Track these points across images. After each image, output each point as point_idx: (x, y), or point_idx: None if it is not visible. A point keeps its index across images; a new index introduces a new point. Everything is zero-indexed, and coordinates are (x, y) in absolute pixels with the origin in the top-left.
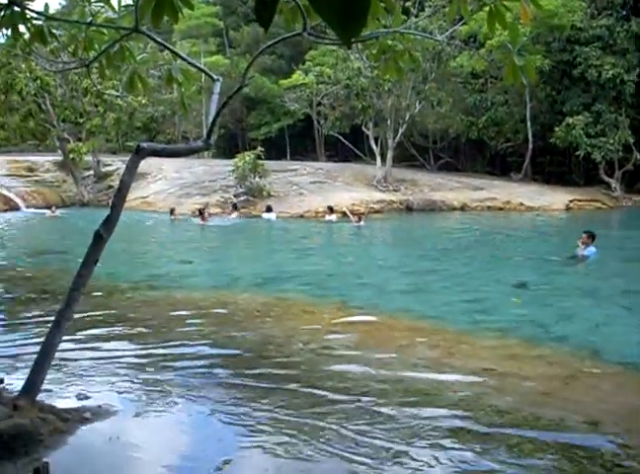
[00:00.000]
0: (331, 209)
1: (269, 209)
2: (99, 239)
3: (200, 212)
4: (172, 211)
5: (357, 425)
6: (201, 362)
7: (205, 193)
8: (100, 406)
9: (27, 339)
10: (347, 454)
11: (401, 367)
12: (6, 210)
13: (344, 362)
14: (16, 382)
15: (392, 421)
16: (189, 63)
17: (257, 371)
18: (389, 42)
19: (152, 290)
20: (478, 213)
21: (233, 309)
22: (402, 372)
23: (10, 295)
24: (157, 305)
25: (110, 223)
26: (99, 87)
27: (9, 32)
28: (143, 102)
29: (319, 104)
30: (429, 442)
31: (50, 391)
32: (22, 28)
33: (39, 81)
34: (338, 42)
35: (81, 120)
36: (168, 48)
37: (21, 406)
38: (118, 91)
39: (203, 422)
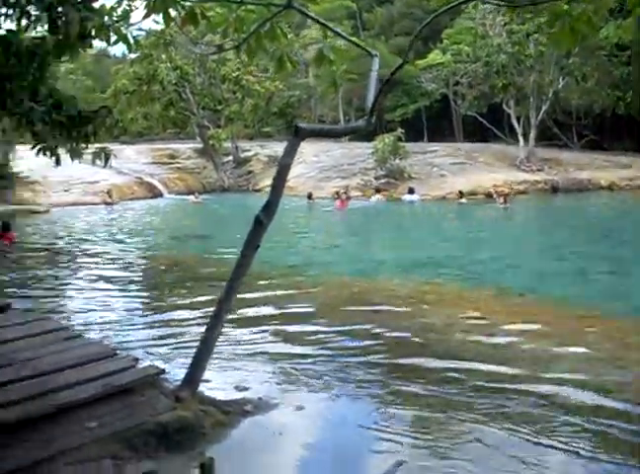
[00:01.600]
0: (461, 194)
1: (411, 191)
2: (259, 225)
3: (339, 196)
4: (309, 196)
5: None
6: (360, 352)
7: (345, 176)
8: (260, 398)
9: (183, 326)
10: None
11: (575, 361)
12: (150, 197)
13: (515, 355)
14: (175, 371)
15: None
16: (347, 40)
17: (419, 363)
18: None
19: (302, 276)
20: (628, 193)
21: (387, 296)
22: (577, 365)
23: (162, 281)
24: (309, 292)
25: (269, 208)
26: (237, 73)
27: (160, 17)
28: (280, 87)
29: (456, 83)
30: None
31: (208, 381)
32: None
33: (179, 70)
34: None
35: (220, 107)
36: (323, 24)
37: (183, 398)
38: (255, 77)
39: (369, 419)
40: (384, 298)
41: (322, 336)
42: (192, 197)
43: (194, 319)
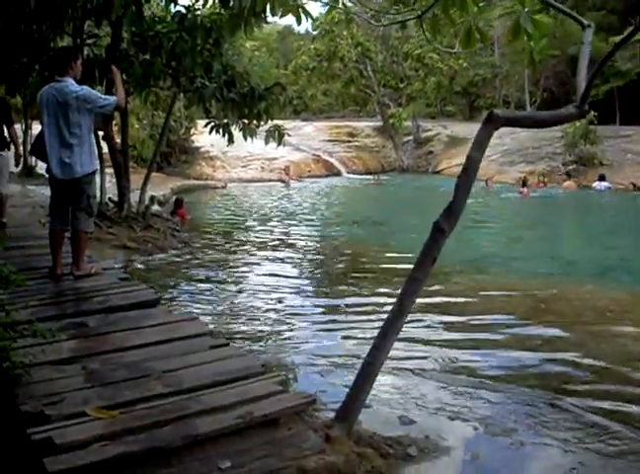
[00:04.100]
0: (634, 185)
1: (601, 178)
2: (439, 233)
3: (524, 183)
4: (487, 182)
5: None
6: (549, 382)
7: (530, 160)
8: (427, 436)
9: (344, 337)
10: None
11: None
12: (327, 175)
13: None
14: (330, 393)
15: None
16: (557, 9)
17: (625, 407)
18: None
19: (481, 274)
20: None
21: (579, 306)
22: None
23: (325, 273)
24: (489, 296)
25: (452, 213)
26: (420, 51)
27: None
28: (464, 65)
29: None
30: None
31: (367, 406)
32: None
33: (360, 47)
34: None
35: (401, 85)
36: None
37: (335, 437)
38: (439, 54)
39: None
40: (577, 310)
41: (504, 355)
42: (372, 178)
43: (359, 327)
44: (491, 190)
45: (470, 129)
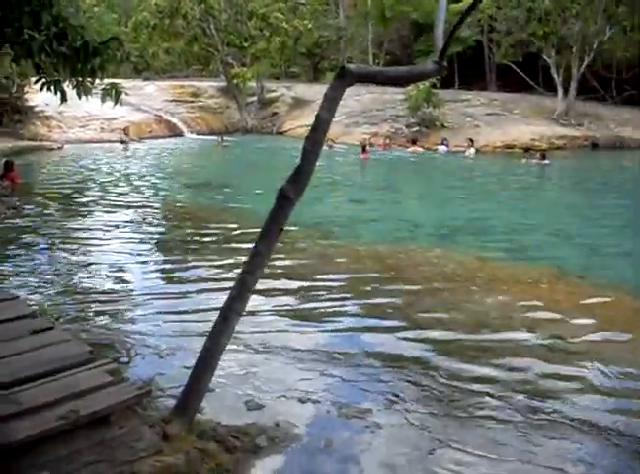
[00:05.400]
0: (472, 141)
1: (444, 142)
2: (285, 201)
3: (364, 147)
4: (329, 143)
5: None
6: (401, 354)
7: (374, 122)
8: (277, 423)
9: (186, 313)
10: None
11: None
12: (169, 136)
13: (590, 365)
14: (167, 381)
15: None
16: None
17: (474, 372)
18: None
19: (328, 240)
20: None
21: (429, 272)
22: None
23: (167, 242)
24: (336, 260)
25: (300, 178)
26: (265, 9)
27: None
28: (309, 26)
29: (491, 30)
30: None
31: (210, 390)
32: None
33: (203, 4)
34: None
35: (246, 45)
36: None
37: (173, 434)
38: (284, 14)
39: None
40: (426, 276)
41: (356, 326)
42: (216, 139)
43: (202, 302)
44: (333, 151)
45: (314, 91)
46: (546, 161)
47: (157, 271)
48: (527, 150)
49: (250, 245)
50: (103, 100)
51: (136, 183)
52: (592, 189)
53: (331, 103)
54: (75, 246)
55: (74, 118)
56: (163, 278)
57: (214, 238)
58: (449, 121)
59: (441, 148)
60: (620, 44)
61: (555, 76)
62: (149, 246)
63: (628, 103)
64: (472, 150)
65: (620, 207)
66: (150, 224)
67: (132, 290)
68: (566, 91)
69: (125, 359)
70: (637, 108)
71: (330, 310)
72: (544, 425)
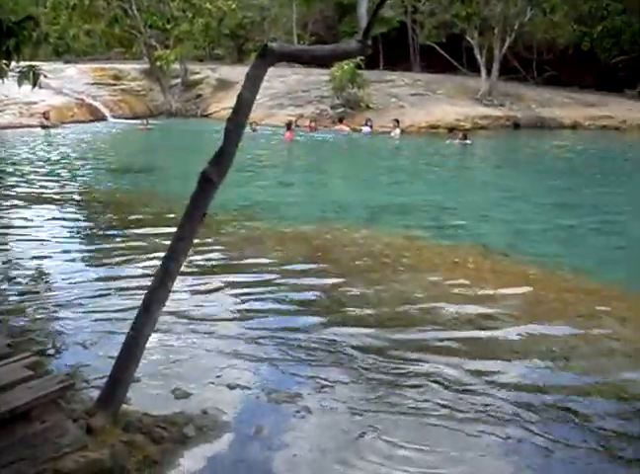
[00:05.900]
0: (397, 122)
1: (367, 123)
2: (207, 184)
3: (289, 125)
4: (252, 125)
5: None
6: (330, 337)
7: (299, 104)
8: (205, 411)
9: (109, 301)
10: None
11: (593, 354)
12: (92, 120)
13: (515, 342)
14: (91, 372)
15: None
16: None
17: (404, 354)
18: None
19: (254, 221)
20: (592, 133)
21: (356, 253)
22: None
23: (91, 228)
24: (262, 243)
25: (222, 160)
26: None
27: None
28: (233, 7)
29: (415, 11)
30: None
31: (136, 380)
32: None
33: None
34: None
35: (168, 26)
36: None
37: (98, 427)
38: None
39: (356, 446)
40: (353, 256)
41: (281, 309)
42: (141, 123)
43: (126, 289)
44: (258, 134)
45: (238, 73)
46: (468, 141)
47: (79, 260)
48: (452, 130)
49: (175, 229)
50: (20, 83)
51: (57, 169)
52: (515, 167)
53: (253, 82)
54: None
55: None
56: (86, 267)
57: (139, 224)
58: (374, 102)
59: (365, 129)
60: (540, 26)
61: (478, 57)
62: (71, 234)
63: (548, 83)
64: (397, 131)
65: (543, 185)
66: (73, 212)
67: (54, 281)
68: (489, 72)
69: (49, 352)
70: (557, 88)
71: (256, 294)
72: (475, 406)
